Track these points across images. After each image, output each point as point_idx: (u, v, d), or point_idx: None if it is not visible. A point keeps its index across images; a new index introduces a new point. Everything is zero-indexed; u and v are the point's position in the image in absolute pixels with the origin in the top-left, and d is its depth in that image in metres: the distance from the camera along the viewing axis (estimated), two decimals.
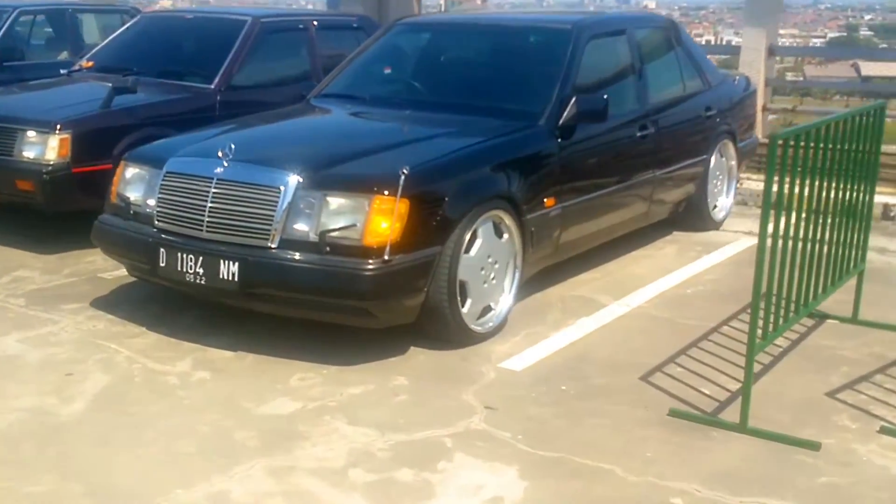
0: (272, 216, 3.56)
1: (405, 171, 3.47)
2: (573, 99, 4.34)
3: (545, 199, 4.20)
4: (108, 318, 4.08)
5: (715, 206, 6.03)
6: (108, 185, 4.98)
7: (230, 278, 3.56)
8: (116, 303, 4.29)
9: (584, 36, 4.73)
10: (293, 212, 3.55)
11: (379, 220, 3.46)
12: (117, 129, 5.11)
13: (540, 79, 4.57)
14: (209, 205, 3.64)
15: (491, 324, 3.94)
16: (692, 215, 5.83)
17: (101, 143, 5.03)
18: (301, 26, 6.39)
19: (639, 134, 4.94)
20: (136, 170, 4.02)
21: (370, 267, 3.42)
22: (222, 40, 5.97)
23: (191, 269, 3.63)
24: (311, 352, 3.70)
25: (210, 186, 3.67)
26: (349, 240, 3.47)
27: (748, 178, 6.98)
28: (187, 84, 5.70)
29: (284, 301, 3.60)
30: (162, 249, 3.71)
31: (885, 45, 34.66)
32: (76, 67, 6.23)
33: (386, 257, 3.42)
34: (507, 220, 3.96)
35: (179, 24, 6.38)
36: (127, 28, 6.46)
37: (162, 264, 3.72)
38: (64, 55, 7.76)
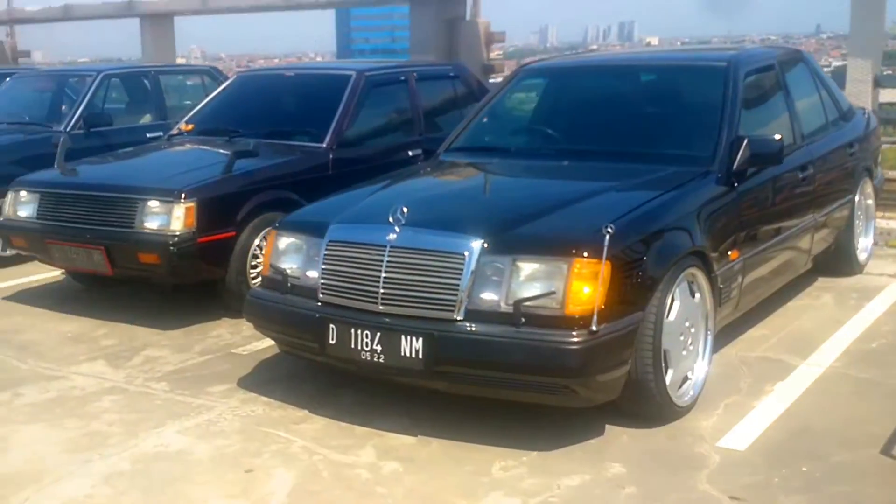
0: (457, 285, 3.22)
1: (609, 228, 3.12)
2: (745, 141, 4.03)
3: (729, 252, 3.84)
4: (264, 402, 3.76)
5: (857, 248, 5.69)
6: (229, 254, 4.83)
7: (414, 356, 3.22)
8: (265, 382, 3.97)
9: (740, 72, 4.40)
10: (479, 279, 3.21)
11: (581, 286, 3.12)
12: (240, 195, 4.86)
13: (701, 120, 4.25)
14: (383, 275, 3.32)
15: (690, 395, 3.55)
16: (838, 259, 5.43)
17: (225, 210, 4.77)
18: (402, 78, 6.17)
19: (801, 175, 4.63)
20: (292, 239, 3.72)
21: (575, 339, 3.06)
22: (328, 97, 5.75)
23: (366, 346, 3.30)
24: (498, 434, 3.35)
25: (383, 255, 3.35)
26: (548, 309, 3.13)
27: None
28: (298, 144, 5.45)
29: (474, 379, 3.25)
30: (332, 326, 3.39)
31: None
32: (175, 131, 6.04)
33: (593, 328, 3.07)
34: (700, 278, 3.61)
35: (279, 82, 6.18)
36: (224, 88, 6.28)
37: (332, 342, 3.39)
38: (147, 118, 7.63)
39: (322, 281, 3.50)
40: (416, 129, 6.09)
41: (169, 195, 4.64)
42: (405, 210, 3.41)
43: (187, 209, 4.61)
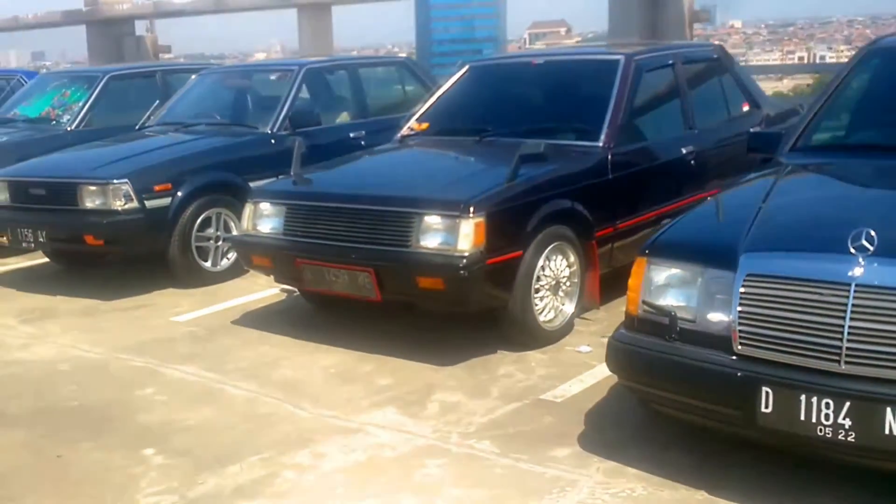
0: None
1: None
2: None
3: None
4: (634, 474, 2.97)
5: None
6: (514, 277, 4.12)
7: None
8: (615, 445, 3.19)
9: None
10: None
11: None
12: (527, 208, 4.10)
13: None
14: (848, 324, 2.49)
15: None
16: None
17: (513, 225, 4.02)
18: (669, 62, 5.31)
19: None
20: (675, 270, 2.92)
21: None
22: (593, 87, 4.95)
23: (826, 419, 2.47)
24: None
25: (846, 297, 2.50)
26: None
27: None
28: (569, 144, 4.65)
29: None
30: (766, 389, 2.57)
31: None
32: (406, 131, 5.36)
33: None
34: None
35: (524, 73, 5.37)
36: (455, 81, 5.57)
37: (765, 410, 2.56)
38: (344, 116, 7.01)
39: (739, 327, 2.69)
40: (687, 122, 5.25)
41: (453, 208, 3.90)
42: (873, 234, 2.62)
43: (476, 225, 3.87)
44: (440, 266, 3.87)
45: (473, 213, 3.86)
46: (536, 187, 4.16)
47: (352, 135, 6.65)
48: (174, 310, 5.31)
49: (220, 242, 5.86)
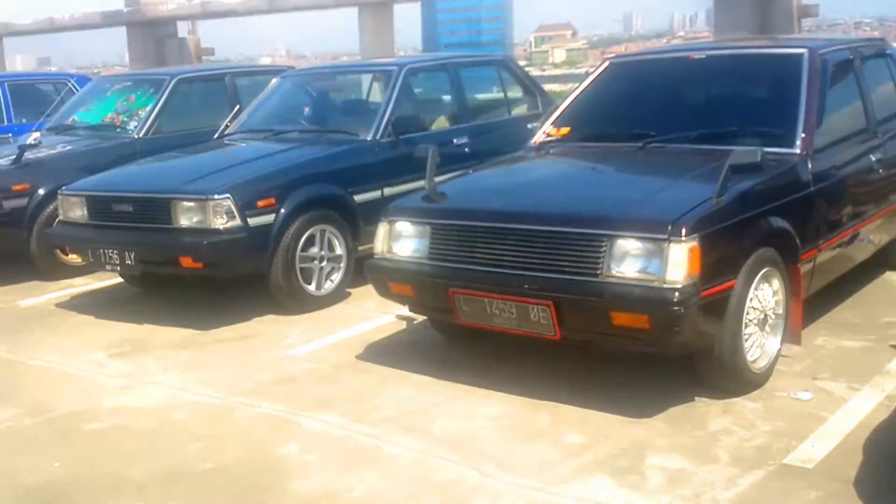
0: None
1: None
2: None
3: None
4: None
5: None
6: (724, 312, 3.43)
7: None
8: None
9: None
10: None
11: None
12: (740, 228, 3.40)
13: None
14: None
15: None
16: None
17: (728, 249, 3.33)
18: (849, 56, 4.67)
19: None
20: None
21: None
22: (774, 86, 4.27)
23: None
24: None
25: None
26: None
27: None
28: (768, 151, 4.01)
29: None
30: None
31: None
32: (542, 137, 4.67)
33: None
34: None
35: (682, 69, 4.59)
36: (593, 79, 4.88)
37: None
38: (443, 121, 6.36)
39: None
40: (870, 126, 4.57)
41: (659, 230, 3.21)
42: None
43: (690, 251, 3.18)
44: (644, 300, 3.21)
45: (686, 235, 3.19)
46: (748, 203, 3.49)
47: (455, 141, 6.07)
48: (284, 341, 4.69)
49: (324, 263, 5.28)
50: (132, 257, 4.94)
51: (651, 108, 4.54)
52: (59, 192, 5.50)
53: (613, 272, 3.32)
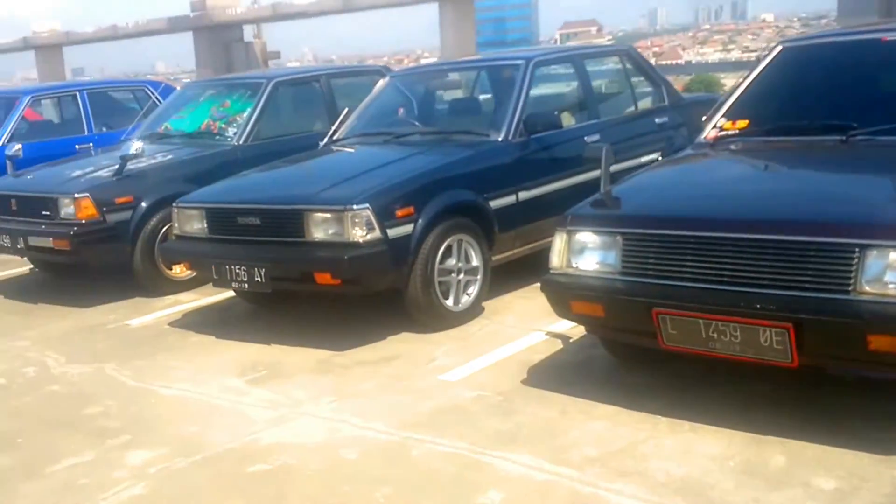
0: None
1: None
2: None
3: None
4: None
5: None
6: None
7: None
8: None
9: None
10: None
11: None
12: None
13: None
14: None
15: None
16: None
17: None
18: None
19: None
20: None
21: None
22: None
23: None
24: None
25: None
26: None
27: None
28: None
29: None
30: None
31: None
32: (716, 133, 4.28)
33: None
34: None
35: (872, 52, 4.09)
36: (765, 66, 4.42)
37: None
38: (567, 118, 5.98)
39: None
40: None
41: None
42: None
43: None
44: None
45: None
46: None
47: (587, 139, 5.64)
48: (432, 364, 4.30)
49: (461, 276, 4.89)
50: (262, 274, 4.56)
51: (842, 96, 4.03)
52: (174, 204, 5.16)
53: (867, 288, 2.88)
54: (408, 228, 4.52)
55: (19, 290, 6.62)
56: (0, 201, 6.36)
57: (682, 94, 6.58)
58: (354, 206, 4.35)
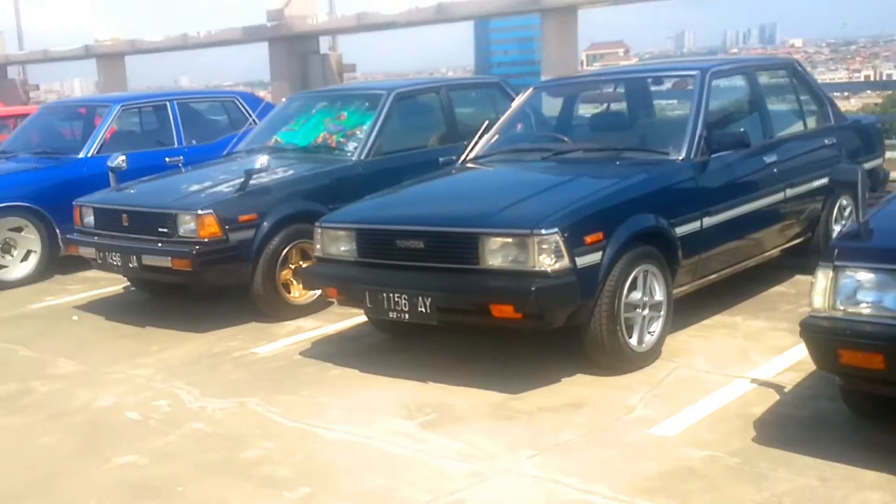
0: None
1: None
2: None
3: None
4: None
5: None
6: None
7: None
8: None
9: None
10: None
11: None
12: None
13: None
14: None
15: None
16: None
17: None
18: None
19: None
20: None
21: None
22: None
23: None
24: None
25: None
26: None
27: None
28: None
29: None
30: None
31: None
32: None
33: None
34: None
35: None
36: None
37: None
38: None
39: None
40: None
41: None
42: None
43: None
44: None
45: None
46: None
47: (766, 160, 5.12)
48: (631, 415, 3.74)
49: (646, 311, 4.37)
50: (427, 304, 4.04)
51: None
52: (317, 224, 4.69)
53: None
54: (596, 257, 4.00)
55: (120, 310, 6.16)
56: (108, 216, 5.95)
57: (844, 114, 6.05)
58: (543, 231, 3.84)
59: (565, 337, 4.36)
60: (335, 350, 4.98)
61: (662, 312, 4.38)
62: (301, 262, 5.74)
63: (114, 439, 3.90)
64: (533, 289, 3.81)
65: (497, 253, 3.98)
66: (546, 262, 3.86)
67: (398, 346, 4.88)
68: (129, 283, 6.75)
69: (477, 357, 4.60)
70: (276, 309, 5.59)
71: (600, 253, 4.02)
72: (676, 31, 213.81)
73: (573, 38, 9.27)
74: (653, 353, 4.33)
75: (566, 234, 3.88)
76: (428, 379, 4.34)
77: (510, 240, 3.94)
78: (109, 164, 6.49)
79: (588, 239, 3.97)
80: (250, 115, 8.90)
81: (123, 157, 6.50)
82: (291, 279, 5.69)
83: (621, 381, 4.15)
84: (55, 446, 3.89)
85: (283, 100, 7.50)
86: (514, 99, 7.28)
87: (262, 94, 12.48)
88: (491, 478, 3.26)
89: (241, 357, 4.96)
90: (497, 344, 4.70)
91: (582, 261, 3.95)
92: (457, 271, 4.08)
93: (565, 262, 3.88)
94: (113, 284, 6.92)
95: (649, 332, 4.32)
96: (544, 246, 3.85)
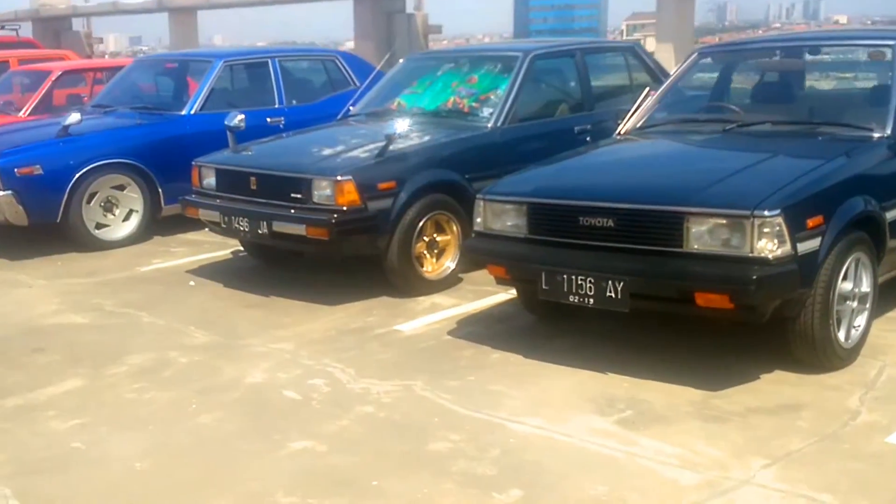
0: None
1: None
2: None
3: None
4: None
5: None
6: None
7: None
8: None
9: None
10: None
11: None
12: None
13: None
14: None
15: None
16: None
17: None
18: None
19: None
20: None
21: None
22: None
23: None
24: None
25: None
26: None
27: None
28: None
29: None
30: None
31: None
32: None
33: None
34: None
35: None
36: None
37: None
38: None
39: None
40: None
41: None
42: None
43: None
44: None
45: None
46: None
47: None
48: (856, 420, 3.33)
49: (854, 303, 3.90)
50: (619, 289, 3.65)
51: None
52: (478, 195, 4.33)
53: None
54: (815, 243, 3.56)
55: (236, 278, 5.83)
56: (233, 178, 5.59)
57: None
58: (766, 213, 3.41)
59: (744, 328, 4.00)
60: (486, 332, 4.61)
61: (868, 305, 3.94)
62: (435, 235, 5.43)
63: (280, 421, 3.60)
64: (754, 277, 3.39)
65: (704, 235, 3.55)
66: (767, 248, 3.42)
67: (556, 331, 4.49)
68: (239, 248, 6.51)
69: (652, 346, 4.20)
70: (408, 283, 5.24)
71: (819, 239, 3.58)
72: (718, 3, 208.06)
73: (691, 6, 8.72)
74: (857, 350, 3.90)
75: (790, 217, 3.45)
76: (605, 370, 3.95)
77: (723, 221, 3.50)
78: (227, 122, 6.15)
79: (810, 223, 3.54)
80: (350, 76, 8.56)
81: (242, 117, 6.16)
82: (425, 252, 5.41)
83: (829, 380, 3.73)
84: (217, 426, 3.59)
85: (401, 60, 7.12)
86: (649, 65, 6.89)
87: None
88: (730, 490, 2.88)
89: (385, 335, 4.63)
90: (663, 333, 4.31)
91: (803, 247, 3.51)
92: (654, 254, 3.66)
93: (787, 248, 3.45)
94: (220, 249, 6.68)
95: (854, 327, 3.91)
96: (766, 230, 3.42)
